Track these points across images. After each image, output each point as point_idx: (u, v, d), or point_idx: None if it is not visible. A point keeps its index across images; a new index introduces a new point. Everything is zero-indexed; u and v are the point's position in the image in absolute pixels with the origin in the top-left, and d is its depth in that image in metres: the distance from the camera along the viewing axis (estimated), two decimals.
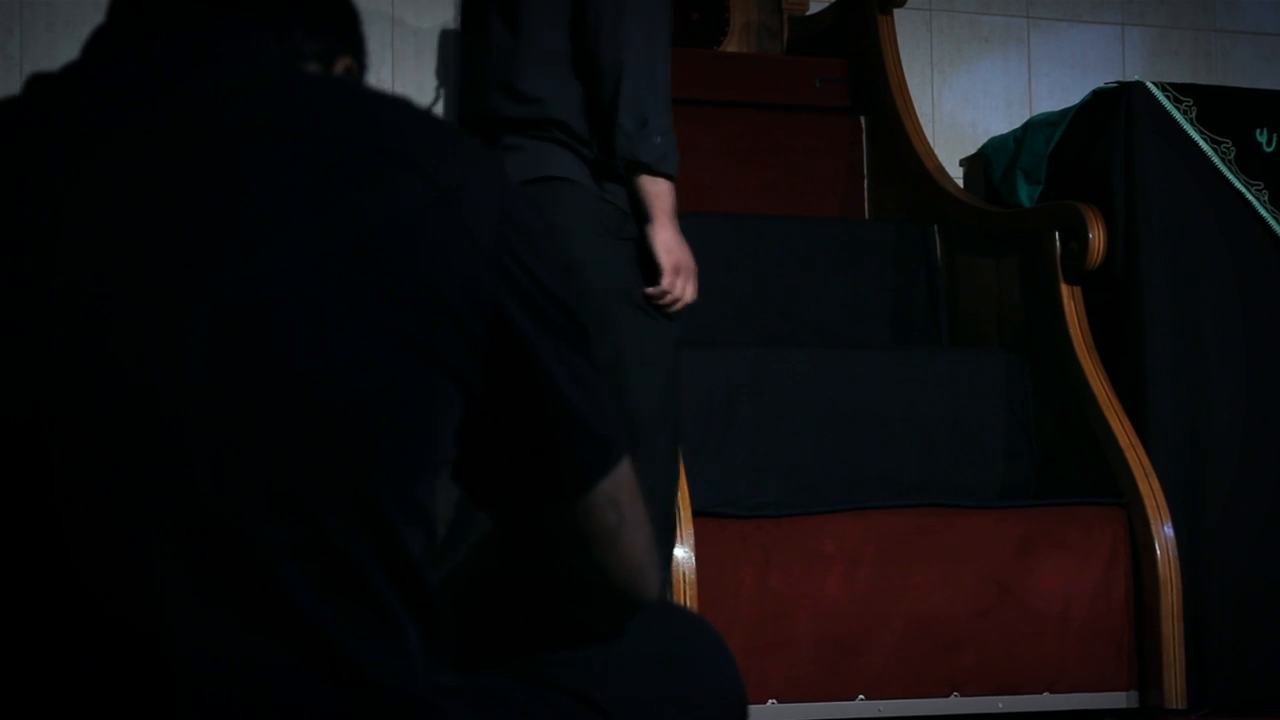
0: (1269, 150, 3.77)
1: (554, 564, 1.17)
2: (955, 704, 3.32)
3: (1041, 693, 3.38)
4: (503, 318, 1.05)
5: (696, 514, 3.17)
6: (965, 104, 4.87)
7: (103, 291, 0.98)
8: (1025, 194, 4.00)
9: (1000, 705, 3.35)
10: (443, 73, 4.52)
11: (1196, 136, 3.72)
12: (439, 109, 4.33)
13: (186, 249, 0.98)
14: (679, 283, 2.84)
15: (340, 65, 1.17)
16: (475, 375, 1.05)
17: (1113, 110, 3.74)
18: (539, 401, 1.08)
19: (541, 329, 1.07)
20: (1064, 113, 3.93)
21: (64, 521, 0.97)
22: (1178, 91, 3.74)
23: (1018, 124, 4.25)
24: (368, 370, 0.99)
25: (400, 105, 1.08)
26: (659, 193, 2.84)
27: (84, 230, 0.99)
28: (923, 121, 4.43)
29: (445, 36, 4.55)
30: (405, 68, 4.44)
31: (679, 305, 2.86)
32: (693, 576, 3.11)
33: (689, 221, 3.00)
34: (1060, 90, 4.76)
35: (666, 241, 2.83)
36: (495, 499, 1.15)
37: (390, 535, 1.00)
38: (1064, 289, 3.72)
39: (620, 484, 1.14)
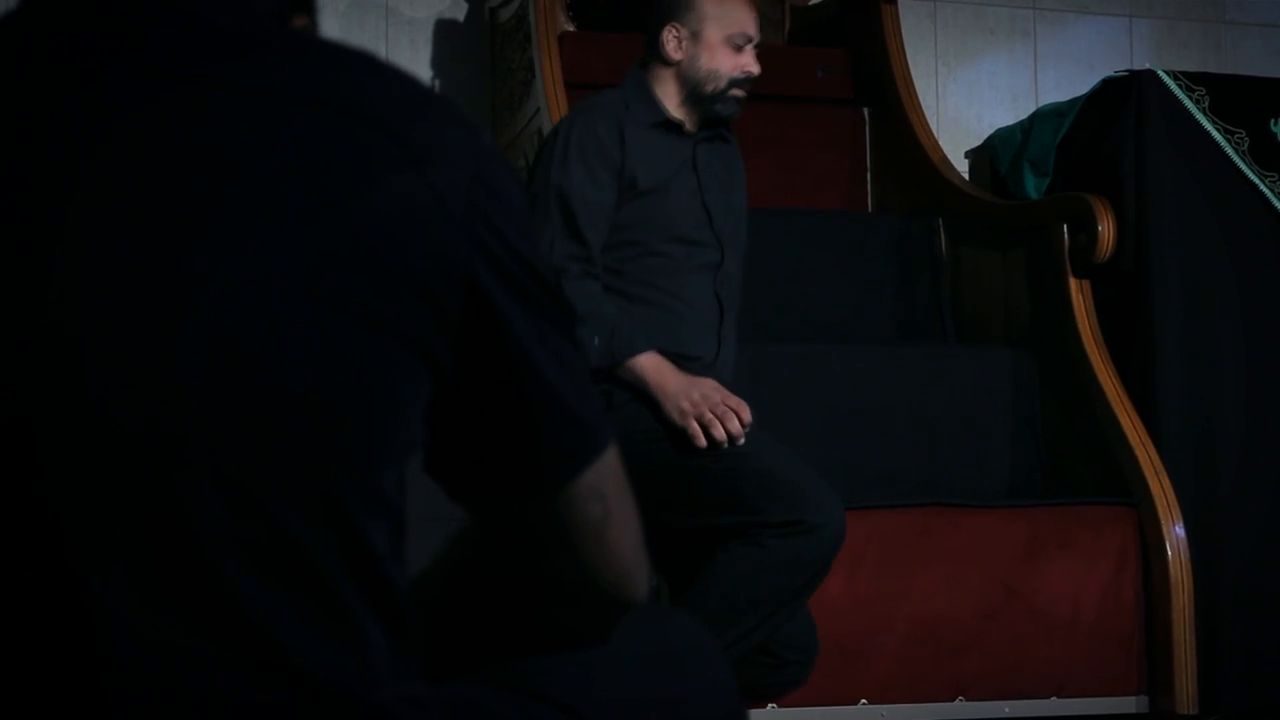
0: None
1: (535, 562, 1.09)
2: (960, 709, 3.28)
3: (1049, 697, 3.33)
4: (475, 290, 0.97)
5: None
6: (970, 98, 4.82)
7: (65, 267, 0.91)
8: (1032, 186, 3.95)
9: (1007, 710, 3.31)
10: (438, 64, 4.49)
11: (1209, 126, 3.66)
12: None
13: (155, 233, 0.91)
14: (696, 419, 2.74)
15: (296, 25, 1.09)
16: (445, 353, 0.97)
17: (1123, 100, 3.68)
18: (516, 382, 1.00)
19: (518, 302, 0.99)
20: (1073, 103, 3.88)
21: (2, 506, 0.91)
22: (1190, 80, 3.69)
23: (1023, 118, 4.19)
24: (324, 346, 0.92)
25: (366, 61, 1.00)
26: (635, 377, 2.80)
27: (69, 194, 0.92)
28: (927, 115, 4.37)
29: (441, 26, 4.52)
30: (400, 59, 4.40)
31: (722, 433, 2.74)
32: None
33: None
34: (1066, 84, 4.72)
35: (667, 406, 2.77)
36: (471, 491, 1.07)
37: (350, 527, 0.93)
38: (1072, 283, 3.67)
39: (606, 475, 1.06)
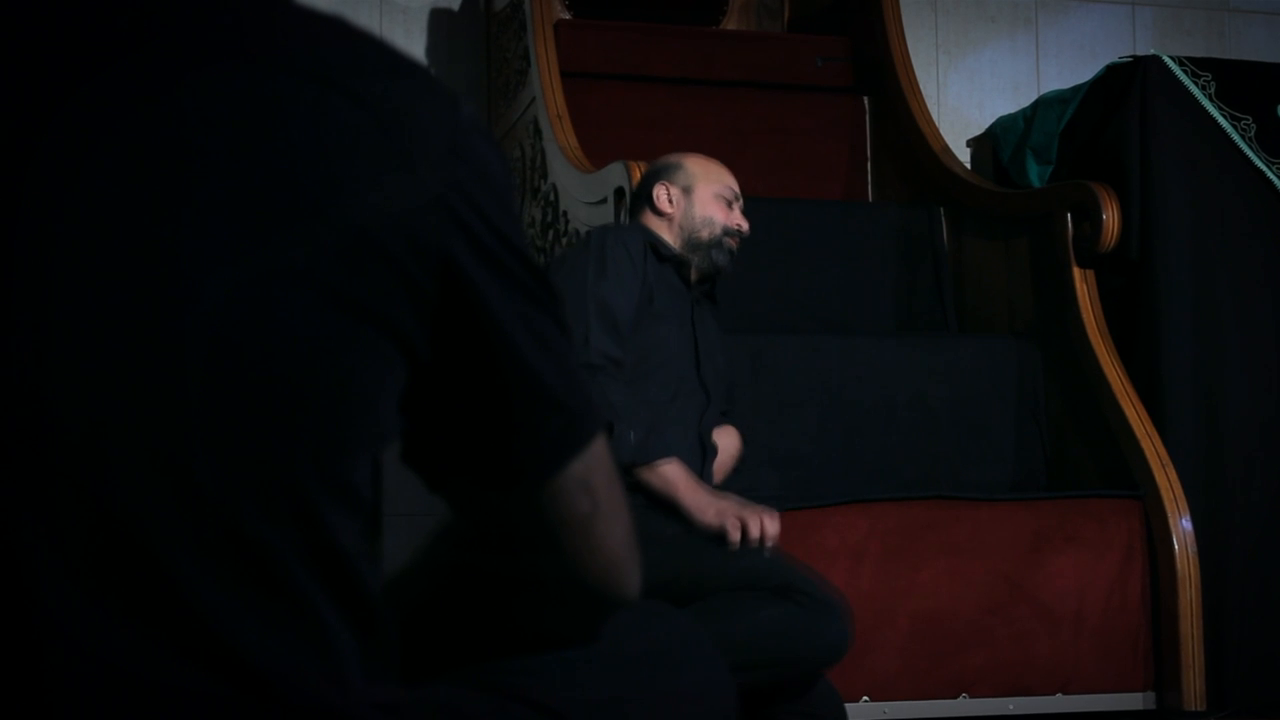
0: None
1: (519, 558, 1.04)
2: (964, 706, 3.24)
3: (1054, 694, 3.28)
4: (452, 268, 0.91)
5: None
6: (971, 87, 4.78)
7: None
8: (1035, 174, 3.91)
9: (1011, 707, 3.26)
10: (433, 54, 4.46)
11: (1215, 113, 3.61)
12: None
13: (146, 233, 0.86)
14: (734, 527, 2.73)
15: None
16: (420, 336, 0.91)
17: (1127, 86, 3.64)
18: (495, 366, 0.95)
19: (498, 282, 0.93)
20: (1076, 89, 3.83)
21: None
22: (1195, 66, 3.64)
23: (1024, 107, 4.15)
24: (288, 327, 0.86)
25: (335, 24, 0.94)
26: (663, 483, 2.80)
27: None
28: (928, 104, 4.33)
29: (435, 16, 4.49)
30: None
31: (758, 530, 2.72)
32: None
33: None
34: (1068, 72, 4.68)
35: (696, 516, 2.76)
36: (451, 483, 1.02)
37: (315, 523, 0.87)
38: (1076, 273, 3.63)
39: (594, 466, 1.00)
